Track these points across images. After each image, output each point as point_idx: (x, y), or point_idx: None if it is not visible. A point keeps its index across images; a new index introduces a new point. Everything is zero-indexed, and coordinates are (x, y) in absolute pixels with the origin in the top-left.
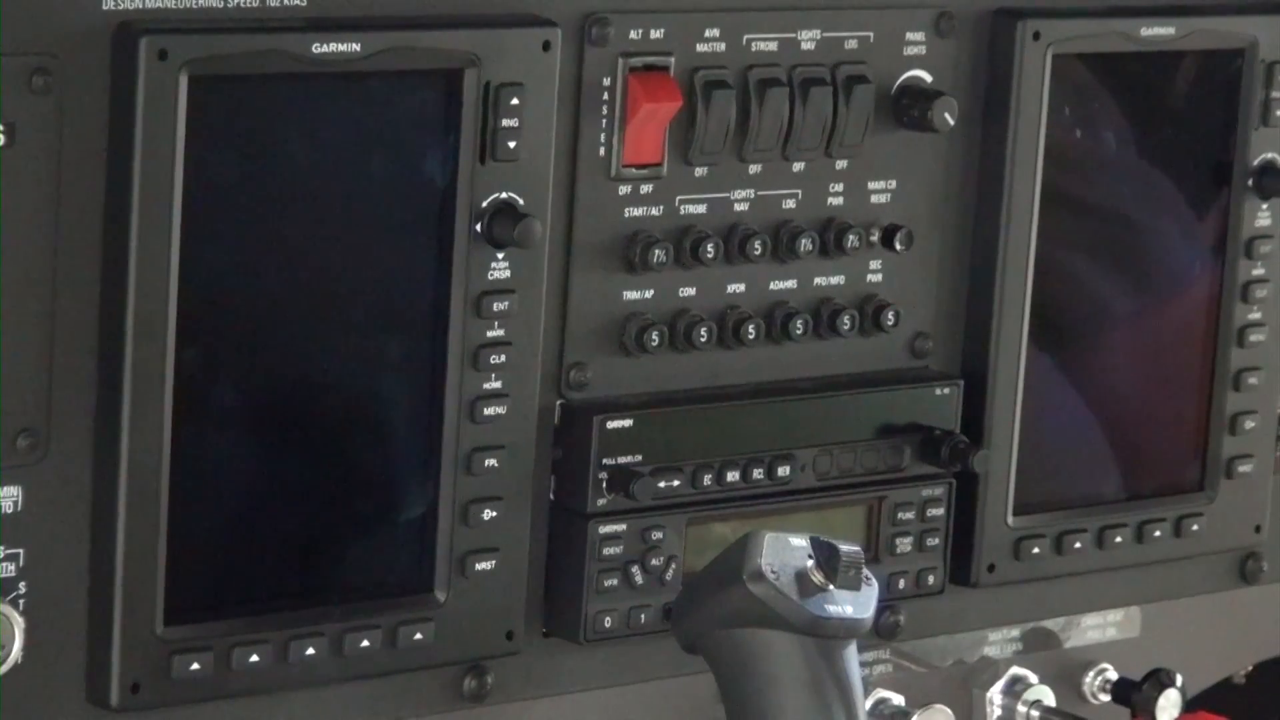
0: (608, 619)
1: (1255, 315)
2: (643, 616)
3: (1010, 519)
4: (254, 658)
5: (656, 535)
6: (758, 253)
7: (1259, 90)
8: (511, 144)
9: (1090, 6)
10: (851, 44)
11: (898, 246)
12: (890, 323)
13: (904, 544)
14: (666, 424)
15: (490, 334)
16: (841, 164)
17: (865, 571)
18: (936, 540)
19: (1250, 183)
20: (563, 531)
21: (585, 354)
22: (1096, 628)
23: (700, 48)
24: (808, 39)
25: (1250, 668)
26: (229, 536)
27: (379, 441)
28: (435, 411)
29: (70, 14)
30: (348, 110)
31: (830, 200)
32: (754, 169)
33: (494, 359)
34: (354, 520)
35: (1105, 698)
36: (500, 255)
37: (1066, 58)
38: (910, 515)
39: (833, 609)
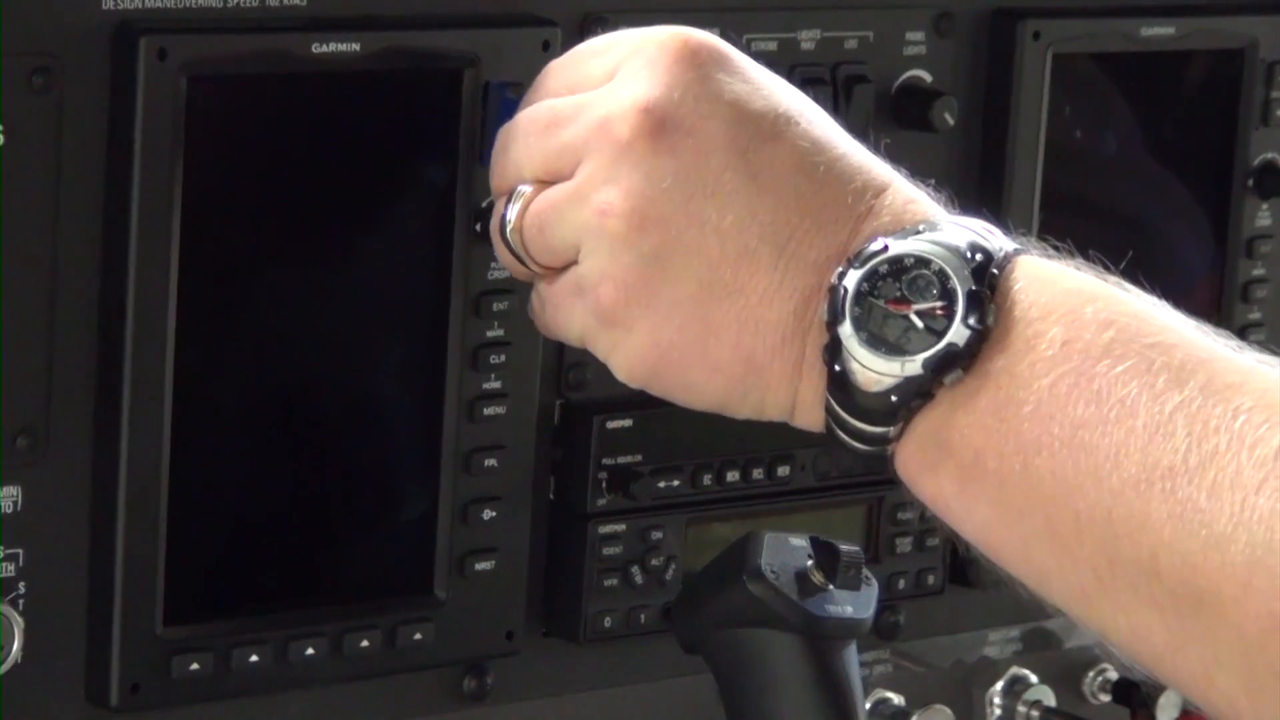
0: (607, 619)
1: (1255, 315)
2: (642, 616)
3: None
4: (254, 658)
5: (656, 535)
6: None
7: (1259, 90)
8: None
9: (1090, 6)
10: (851, 44)
11: None
12: None
13: (904, 544)
14: (666, 424)
15: (490, 334)
16: None
17: (865, 571)
18: (936, 540)
19: (1250, 183)
20: (563, 531)
21: (585, 354)
22: None
23: None
24: (808, 39)
25: None
26: (229, 536)
27: (379, 441)
28: (435, 411)
29: (70, 14)
30: (347, 110)
31: None
32: None
33: (494, 359)
34: (354, 520)
35: (1105, 698)
36: None
37: (1066, 57)
38: (910, 515)
39: (832, 609)
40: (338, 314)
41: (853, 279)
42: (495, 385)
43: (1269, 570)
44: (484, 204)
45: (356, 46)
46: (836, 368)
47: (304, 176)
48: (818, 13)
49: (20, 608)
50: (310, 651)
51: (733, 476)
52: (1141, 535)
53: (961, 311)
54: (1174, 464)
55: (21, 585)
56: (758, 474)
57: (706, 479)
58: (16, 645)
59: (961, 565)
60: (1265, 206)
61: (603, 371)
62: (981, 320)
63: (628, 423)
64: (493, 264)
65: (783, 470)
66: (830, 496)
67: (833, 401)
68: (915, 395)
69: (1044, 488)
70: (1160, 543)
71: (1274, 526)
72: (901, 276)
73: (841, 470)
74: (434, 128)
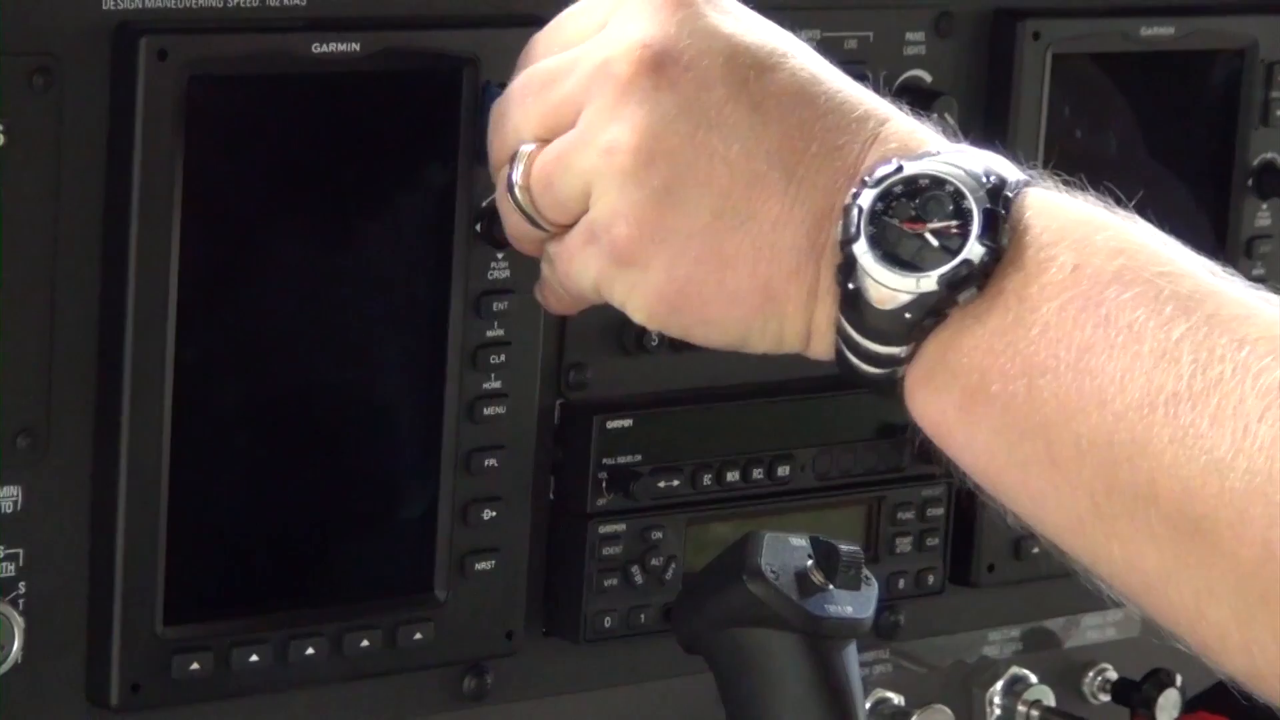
0: (607, 619)
1: None
2: (643, 616)
3: (1011, 518)
4: (254, 658)
5: (656, 535)
6: None
7: (1259, 90)
8: None
9: (1090, 6)
10: (851, 44)
11: None
12: None
13: (904, 544)
14: (666, 424)
15: (490, 334)
16: None
17: (865, 571)
18: (936, 540)
19: (1250, 183)
20: (563, 531)
21: (585, 354)
22: (1096, 628)
23: None
24: (807, 39)
25: None
26: (229, 536)
27: (379, 441)
28: (435, 411)
29: (70, 14)
30: (347, 110)
31: None
32: None
33: (494, 359)
34: (354, 520)
35: (1105, 698)
36: (500, 255)
37: (1066, 58)
38: (910, 515)
39: (832, 609)
40: (337, 314)
41: (867, 198)
42: (495, 385)
43: (1266, 498)
44: (484, 204)
45: (356, 46)
46: (850, 285)
47: (304, 176)
48: (818, 13)
49: (20, 608)
50: (310, 651)
51: (733, 476)
52: (1141, 460)
53: (977, 230)
54: (1178, 389)
55: (21, 585)
56: (758, 474)
57: (706, 479)
58: (16, 645)
59: (962, 565)
60: (1265, 206)
61: (603, 371)
62: (996, 239)
63: (628, 423)
64: (493, 264)
65: (783, 470)
66: (830, 496)
67: (845, 322)
68: (929, 313)
69: (1046, 410)
70: (1160, 468)
71: (1274, 455)
72: (916, 196)
73: (841, 470)
74: (434, 128)
